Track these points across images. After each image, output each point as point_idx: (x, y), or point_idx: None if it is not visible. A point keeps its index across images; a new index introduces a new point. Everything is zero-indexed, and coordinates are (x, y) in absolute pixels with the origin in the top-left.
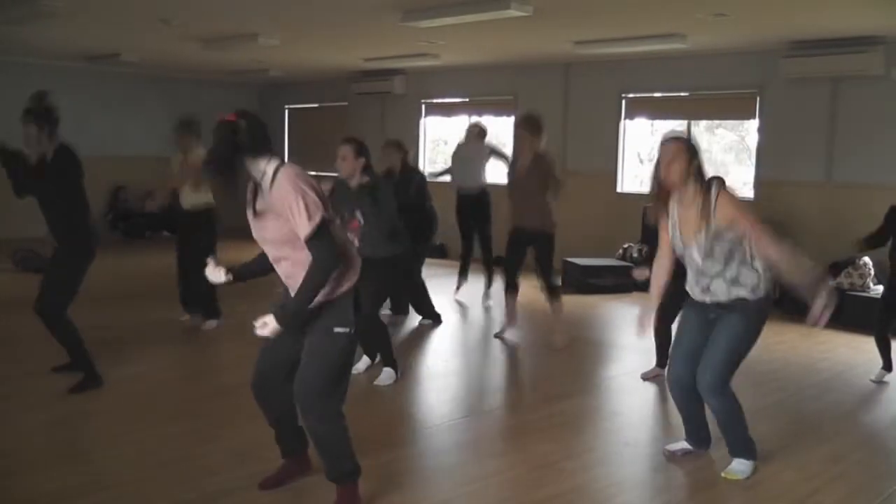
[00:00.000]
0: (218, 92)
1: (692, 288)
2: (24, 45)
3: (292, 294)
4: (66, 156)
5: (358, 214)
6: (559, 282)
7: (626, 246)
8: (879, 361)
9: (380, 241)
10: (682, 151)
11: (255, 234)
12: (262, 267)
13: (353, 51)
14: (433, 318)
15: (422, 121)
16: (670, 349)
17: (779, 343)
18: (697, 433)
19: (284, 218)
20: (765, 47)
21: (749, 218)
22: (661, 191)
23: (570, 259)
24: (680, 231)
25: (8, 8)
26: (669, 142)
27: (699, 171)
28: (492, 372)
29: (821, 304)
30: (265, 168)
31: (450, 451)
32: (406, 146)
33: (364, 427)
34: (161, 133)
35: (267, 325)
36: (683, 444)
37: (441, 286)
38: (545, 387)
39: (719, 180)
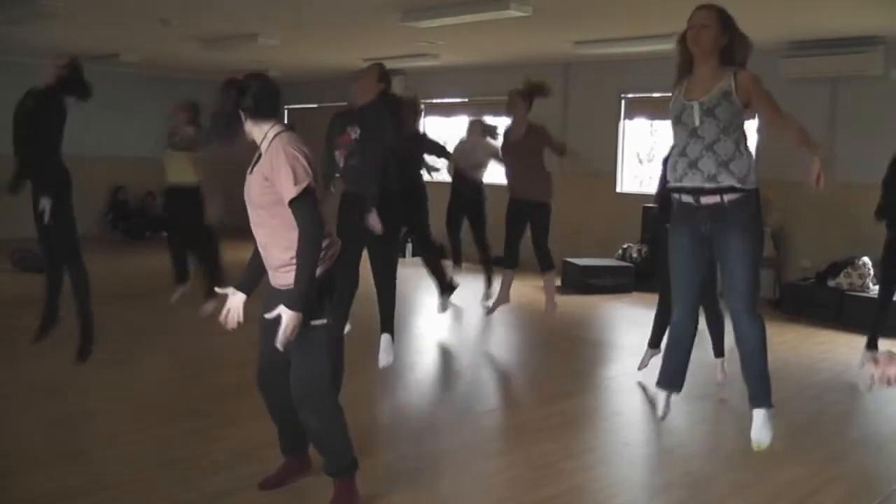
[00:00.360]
0: (218, 92)
1: (675, 166)
2: (24, 45)
3: (271, 273)
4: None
5: (349, 129)
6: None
7: (625, 246)
8: None
9: (366, 176)
10: (716, 20)
11: (244, 195)
12: (259, 271)
13: (353, 51)
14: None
15: (421, 121)
16: (672, 289)
17: (779, 343)
18: (678, 378)
19: (271, 181)
20: (764, 47)
21: (763, 91)
22: (683, 61)
23: (569, 259)
24: (686, 90)
25: (8, 8)
26: (704, 7)
27: (728, 49)
28: (491, 372)
29: (817, 166)
30: (267, 132)
31: (449, 451)
32: (420, 106)
33: (363, 427)
34: (161, 134)
35: (286, 325)
36: (663, 396)
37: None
38: (545, 387)
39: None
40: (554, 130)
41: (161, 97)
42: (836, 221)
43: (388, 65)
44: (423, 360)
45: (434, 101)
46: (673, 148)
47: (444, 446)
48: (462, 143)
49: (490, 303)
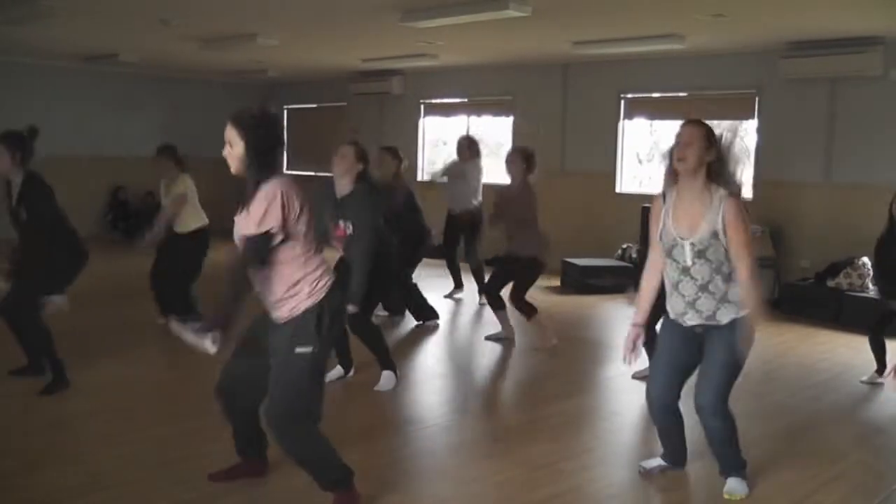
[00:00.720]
0: (217, 92)
1: (671, 300)
2: (24, 45)
3: (269, 306)
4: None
5: (342, 223)
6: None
7: (624, 246)
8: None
9: (357, 273)
10: (702, 137)
11: (236, 236)
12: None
13: (352, 51)
14: (432, 317)
15: (420, 121)
16: (649, 364)
17: (778, 344)
18: (676, 452)
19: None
20: (763, 48)
21: (743, 233)
22: (671, 171)
23: (568, 259)
24: (673, 221)
25: (7, 8)
26: (690, 124)
27: (715, 168)
28: (490, 372)
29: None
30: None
31: (448, 452)
32: (401, 155)
33: (363, 428)
34: (160, 134)
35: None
36: (660, 462)
37: (438, 286)
38: (544, 387)
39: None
40: (554, 130)
41: (161, 97)
42: (836, 221)
43: (387, 65)
44: (421, 360)
45: (433, 101)
46: (666, 277)
47: (444, 447)
48: (453, 166)
49: (484, 301)
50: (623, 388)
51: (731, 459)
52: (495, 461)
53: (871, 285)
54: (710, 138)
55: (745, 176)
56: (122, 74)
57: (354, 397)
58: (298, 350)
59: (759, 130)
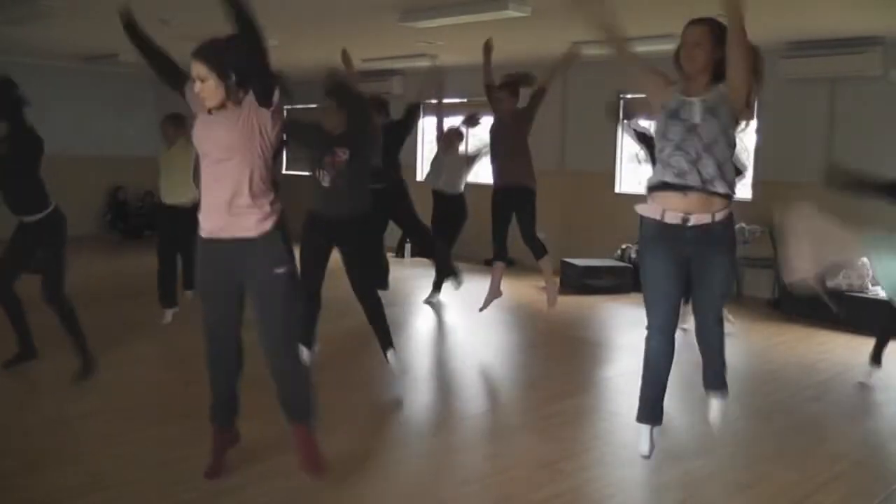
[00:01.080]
0: None
1: (670, 161)
2: (24, 45)
3: (230, 221)
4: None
5: (341, 151)
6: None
7: (623, 247)
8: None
9: (347, 196)
10: (709, 36)
11: (206, 147)
12: None
13: (352, 51)
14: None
15: (420, 121)
16: (649, 316)
17: (778, 344)
18: (660, 410)
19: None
20: (763, 48)
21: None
22: (679, 69)
23: (568, 259)
24: (683, 89)
25: (7, 8)
26: (696, 23)
27: (722, 62)
28: (489, 372)
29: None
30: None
31: (447, 452)
32: (387, 103)
33: (362, 429)
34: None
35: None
36: (649, 436)
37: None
38: (543, 387)
39: None
40: (554, 130)
41: (160, 97)
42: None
43: (387, 65)
44: (420, 360)
45: (432, 101)
46: (665, 142)
47: (443, 447)
48: (438, 160)
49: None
50: (622, 389)
51: (723, 365)
52: (494, 461)
53: (871, 286)
54: (719, 36)
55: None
56: (122, 74)
57: (353, 399)
58: (277, 271)
59: (759, 130)
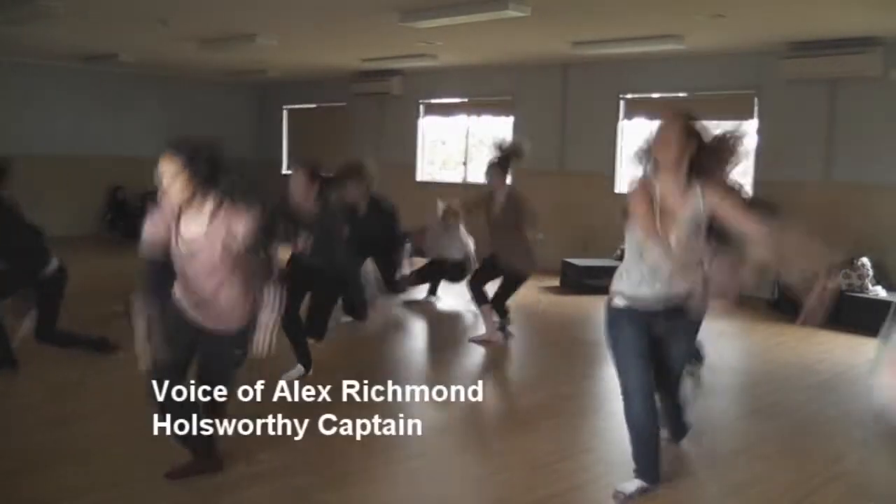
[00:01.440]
0: (216, 92)
1: (647, 285)
2: (24, 45)
3: (214, 316)
4: None
5: (302, 238)
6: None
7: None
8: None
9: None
10: (678, 135)
11: (185, 250)
12: None
13: (352, 51)
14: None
15: (420, 121)
16: (624, 387)
17: (777, 344)
18: (655, 464)
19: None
20: (763, 48)
21: (738, 200)
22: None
23: (568, 260)
24: (658, 206)
25: (7, 8)
26: (666, 122)
27: (696, 161)
28: (489, 372)
29: (816, 302)
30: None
31: (447, 452)
32: (370, 173)
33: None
34: (159, 134)
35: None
36: (640, 483)
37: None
38: (543, 387)
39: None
40: (554, 131)
41: (159, 97)
42: (836, 221)
43: (387, 65)
44: (419, 360)
45: (432, 101)
46: (639, 259)
47: (442, 447)
48: (435, 231)
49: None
50: None
51: (686, 423)
52: (493, 461)
53: (870, 286)
54: (689, 133)
55: (739, 174)
56: (122, 74)
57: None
58: (235, 352)
59: (759, 131)
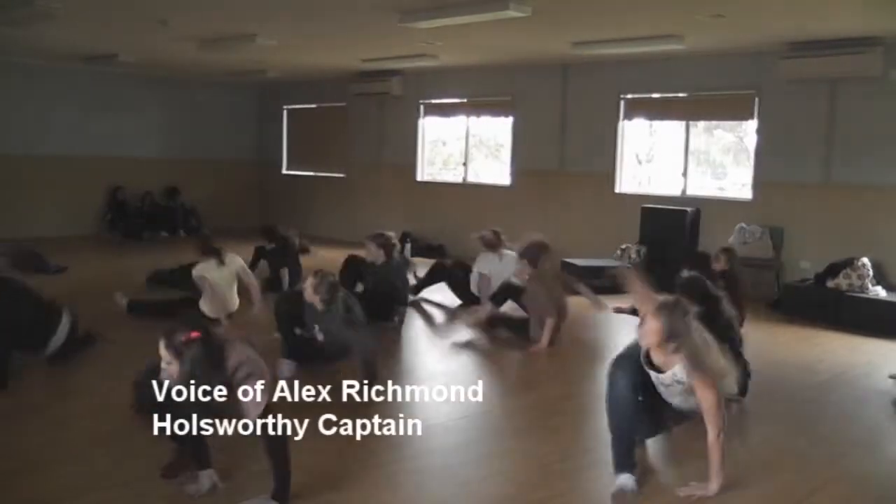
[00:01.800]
0: (216, 92)
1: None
2: (24, 45)
3: None
4: None
5: (317, 331)
6: None
7: (624, 247)
8: (878, 362)
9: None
10: (658, 334)
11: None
12: None
13: (352, 52)
14: None
15: (420, 121)
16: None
17: (777, 345)
18: (632, 454)
19: None
20: (763, 48)
21: (711, 395)
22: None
23: (568, 260)
24: (651, 353)
25: (7, 8)
26: (651, 316)
27: (679, 347)
28: (489, 373)
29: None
30: None
31: (447, 452)
32: (392, 239)
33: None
34: (159, 134)
35: None
36: (630, 476)
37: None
38: (543, 388)
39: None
40: (553, 131)
41: (159, 98)
42: (836, 222)
43: (387, 66)
44: (419, 361)
45: (432, 101)
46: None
47: (442, 447)
48: (487, 267)
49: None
50: None
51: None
52: (494, 462)
53: (870, 287)
54: (669, 334)
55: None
56: (122, 75)
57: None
58: None
59: (759, 131)
